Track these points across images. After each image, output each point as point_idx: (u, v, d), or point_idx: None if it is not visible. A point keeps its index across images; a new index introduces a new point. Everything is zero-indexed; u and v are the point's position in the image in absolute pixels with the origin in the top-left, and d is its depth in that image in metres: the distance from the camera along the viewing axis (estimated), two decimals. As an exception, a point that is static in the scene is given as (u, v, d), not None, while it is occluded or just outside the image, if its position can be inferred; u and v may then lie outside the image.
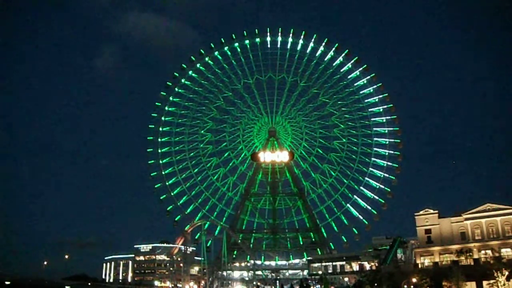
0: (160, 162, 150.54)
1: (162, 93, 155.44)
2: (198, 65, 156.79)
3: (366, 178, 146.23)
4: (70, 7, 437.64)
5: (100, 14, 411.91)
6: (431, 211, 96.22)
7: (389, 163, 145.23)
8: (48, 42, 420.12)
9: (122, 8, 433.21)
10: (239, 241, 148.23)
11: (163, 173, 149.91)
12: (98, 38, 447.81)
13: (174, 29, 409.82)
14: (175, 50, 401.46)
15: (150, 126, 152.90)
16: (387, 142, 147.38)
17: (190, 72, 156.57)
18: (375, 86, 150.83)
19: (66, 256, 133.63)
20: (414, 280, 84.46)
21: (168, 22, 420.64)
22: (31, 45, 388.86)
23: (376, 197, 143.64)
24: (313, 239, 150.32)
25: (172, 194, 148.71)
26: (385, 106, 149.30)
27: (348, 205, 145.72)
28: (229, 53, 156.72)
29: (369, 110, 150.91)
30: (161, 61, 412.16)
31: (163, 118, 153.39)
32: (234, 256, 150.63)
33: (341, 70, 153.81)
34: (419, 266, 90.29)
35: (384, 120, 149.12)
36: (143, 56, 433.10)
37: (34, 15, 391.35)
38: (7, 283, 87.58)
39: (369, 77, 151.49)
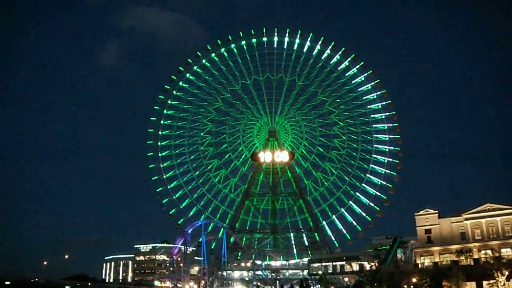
0: (161, 166, 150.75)
1: (160, 96, 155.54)
2: (195, 67, 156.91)
3: (368, 175, 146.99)
4: (73, 0, 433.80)
5: (104, 8, 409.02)
6: (431, 211, 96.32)
7: (389, 159, 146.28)
8: (50, 37, 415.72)
9: (127, 2, 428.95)
10: (243, 242, 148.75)
11: (164, 177, 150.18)
12: (102, 33, 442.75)
13: (180, 24, 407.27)
14: (180, 46, 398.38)
15: (149, 130, 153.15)
16: (387, 138, 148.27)
17: (187, 75, 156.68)
18: (373, 83, 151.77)
19: (66, 256, 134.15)
20: (414, 280, 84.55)
21: (173, 17, 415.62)
22: (32, 40, 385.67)
23: (378, 194, 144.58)
24: (314, 239, 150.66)
25: (174, 197, 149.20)
26: (384, 103, 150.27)
27: (350, 202, 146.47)
28: (226, 54, 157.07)
29: (368, 107, 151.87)
30: (165, 56, 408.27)
31: (162, 122, 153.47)
32: (238, 257, 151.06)
33: (339, 68, 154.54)
34: (419, 266, 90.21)
35: (383, 117, 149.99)
36: (148, 52, 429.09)
37: (37, 8, 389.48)
38: (7, 283, 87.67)
39: (366, 74, 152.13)
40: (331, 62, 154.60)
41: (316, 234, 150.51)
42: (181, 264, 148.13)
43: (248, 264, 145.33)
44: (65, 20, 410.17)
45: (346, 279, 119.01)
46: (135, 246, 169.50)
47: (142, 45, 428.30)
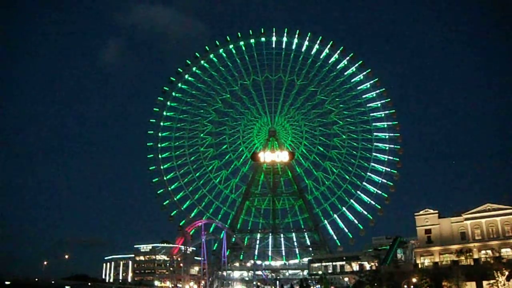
0: (161, 167, 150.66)
1: (159, 98, 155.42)
2: (194, 68, 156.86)
3: (368, 174, 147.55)
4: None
5: (108, 5, 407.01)
6: (431, 211, 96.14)
7: (390, 158, 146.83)
8: (53, 33, 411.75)
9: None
10: (245, 242, 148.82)
11: (164, 178, 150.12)
12: (104, 30, 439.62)
13: (183, 22, 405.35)
14: (183, 44, 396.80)
15: (149, 132, 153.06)
16: (387, 137, 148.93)
17: (186, 76, 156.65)
18: (371, 82, 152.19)
19: (66, 256, 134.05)
20: (414, 280, 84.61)
21: (176, 15, 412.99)
22: (35, 36, 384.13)
23: (379, 192, 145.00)
24: (314, 239, 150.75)
25: (175, 199, 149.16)
26: (383, 101, 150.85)
27: (351, 201, 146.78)
28: (224, 55, 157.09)
29: (367, 105, 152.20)
30: (168, 55, 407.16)
31: (161, 123, 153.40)
32: (241, 257, 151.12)
33: (337, 67, 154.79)
34: (419, 266, 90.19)
35: (383, 115, 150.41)
36: (150, 50, 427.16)
37: (39, 5, 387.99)
38: (7, 283, 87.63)
39: (365, 73, 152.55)
40: (329, 61, 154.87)
41: (314, 234, 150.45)
42: (181, 264, 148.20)
43: (248, 264, 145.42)
44: (68, 16, 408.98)
45: (346, 279, 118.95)
46: (135, 246, 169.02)
47: (144, 44, 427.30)
